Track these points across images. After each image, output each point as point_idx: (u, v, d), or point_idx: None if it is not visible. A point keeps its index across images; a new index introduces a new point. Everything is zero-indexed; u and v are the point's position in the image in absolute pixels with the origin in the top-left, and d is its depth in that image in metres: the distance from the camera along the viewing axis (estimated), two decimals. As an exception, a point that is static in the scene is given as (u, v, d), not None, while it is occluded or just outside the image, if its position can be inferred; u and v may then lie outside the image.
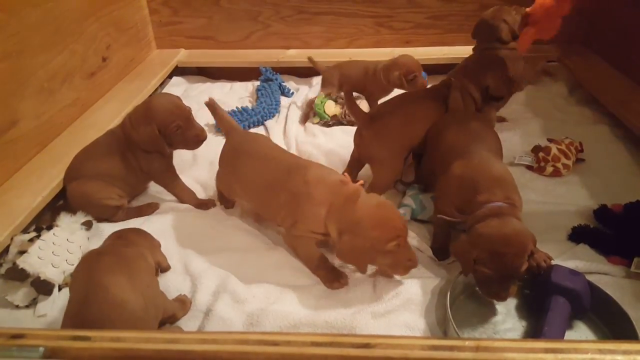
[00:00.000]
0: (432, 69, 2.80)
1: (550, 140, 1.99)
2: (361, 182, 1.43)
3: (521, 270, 1.29)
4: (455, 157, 1.53)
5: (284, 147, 2.19)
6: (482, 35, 1.99)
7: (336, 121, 2.38)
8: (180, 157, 2.00)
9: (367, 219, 1.33)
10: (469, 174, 1.45)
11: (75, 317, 1.09)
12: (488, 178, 1.43)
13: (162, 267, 1.50)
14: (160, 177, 1.83)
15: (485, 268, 1.29)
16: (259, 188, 1.55)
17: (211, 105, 1.78)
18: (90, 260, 1.24)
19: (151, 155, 1.76)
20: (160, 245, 1.53)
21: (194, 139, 1.76)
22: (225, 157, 1.70)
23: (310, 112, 2.44)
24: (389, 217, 1.36)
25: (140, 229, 1.53)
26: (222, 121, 1.80)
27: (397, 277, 1.47)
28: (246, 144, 1.65)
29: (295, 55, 2.91)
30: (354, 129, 2.29)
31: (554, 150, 1.92)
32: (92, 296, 1.11)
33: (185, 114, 1.73)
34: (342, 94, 2.40)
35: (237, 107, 2.48)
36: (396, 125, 1.73)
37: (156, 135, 1.69)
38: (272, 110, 2.47)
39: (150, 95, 1.76)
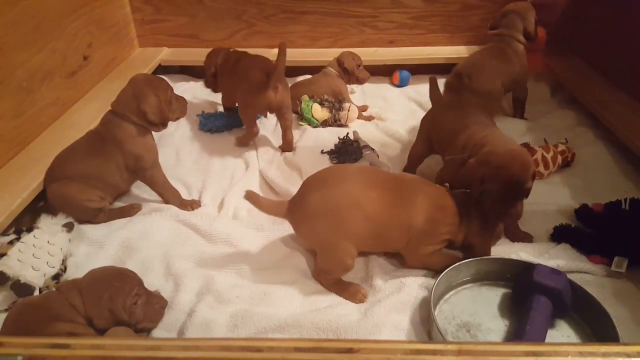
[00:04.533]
0: (416, 69, 2.82)
1: (545, 143, 2.00)
2: (447, 185, 1.51)
3: (527, 187, 1.36)
4: (458, 134, 1.64)
5: (274, 147, 2.21)
6: None
7: (326, 125, 2.38)
8: (164, 157, 1.98)
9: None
10: (473, 136, 1.58)
11: None
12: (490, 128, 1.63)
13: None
14: (146, 173, 1.81)
15: (493, 184, 1.36)
16: (378, 225, 1.41)
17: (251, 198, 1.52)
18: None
19: (139, 147, 1.75)
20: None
21: (183, 101, 1.88)
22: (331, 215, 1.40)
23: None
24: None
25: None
26: (269, 207, 1.52)
27: (379, 282, 1.48)
28: (344, 194, 1.40)
29: (280, 55, 2.90)
30: (339, 129, 2.32)
31: (538, 155, 1.93)
32: None
33: (167, 82, 1.84)
34: (326, 96, 2.41)
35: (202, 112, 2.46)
36: None
37: (161, 104, 1.74)
38: None
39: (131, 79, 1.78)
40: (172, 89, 1.83)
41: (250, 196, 1.49)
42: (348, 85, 2.58)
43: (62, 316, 1.21)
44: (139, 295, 1.31)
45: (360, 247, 1.46)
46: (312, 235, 1.46)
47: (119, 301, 1.26)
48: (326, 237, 1.41)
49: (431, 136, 1.86)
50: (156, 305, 1.36)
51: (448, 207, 1.46)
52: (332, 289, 1.49)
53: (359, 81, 2.59)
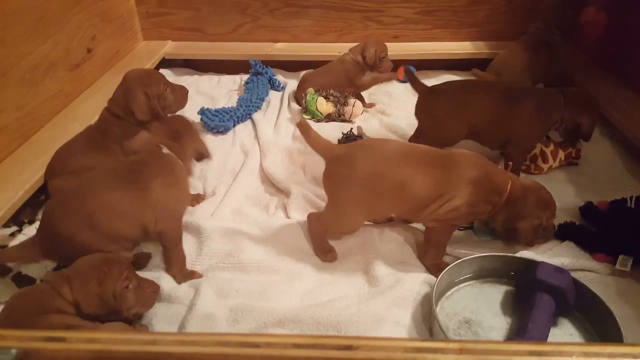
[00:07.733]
0: (421, 64, 2.80)
1: (546, 137, 1.98)
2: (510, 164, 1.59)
3: None
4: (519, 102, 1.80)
5: (274, 142, 2.18)
6: None
7: (330, 120, 2.37)
8: (166, 151, 1.97)
9: (539, 202, 1.48)
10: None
11: None
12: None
13: None
14: None
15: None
16: (413, 194, 1.42)
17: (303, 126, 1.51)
18: None
19: (138, 144, 1.74)
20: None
21: (181, 91, 1.85)
22: (358, 181, 1.43)
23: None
24: (549, 197, 1.52)
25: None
26: (317, 142, 1.50)
27: (386, 272, 1.48)
28: (379, 159, 1.44)
29: (284, 49, 2.89)
30: (342, 124, 2.31)
31: (536, 149, 1.92)
32: None
33: (161, 75, 1.83)
34: (331, 90, 2.39)
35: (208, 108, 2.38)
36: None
37: (149, 100, 1.72)
38: (250, 109, 2.38)
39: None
40: (165, 82, 1.80)
41: (301, 125, 1.49)
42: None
43: (52, 307, 1.18)
44: (129, 279, 1.26)
45: (380, 215, 1.64)
46: (341, 193, 1.47)
47: (109, 286, 1.22)
48: (351, 203, 1.46)
49: (476, 122, 1.83)
50: (148, 289, 1.33)
51: (488, 191, 1.44)
52: (313, 237, 1.59)
53: (381, 71, 2.50)
